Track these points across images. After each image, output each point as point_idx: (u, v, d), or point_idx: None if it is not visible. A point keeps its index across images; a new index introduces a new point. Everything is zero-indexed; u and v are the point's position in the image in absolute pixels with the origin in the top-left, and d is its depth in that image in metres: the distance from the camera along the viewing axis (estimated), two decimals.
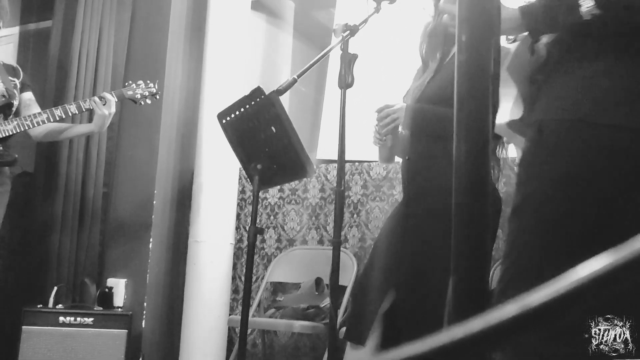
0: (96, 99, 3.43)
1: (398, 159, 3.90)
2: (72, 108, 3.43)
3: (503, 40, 1.87)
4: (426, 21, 2.73)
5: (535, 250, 1.60)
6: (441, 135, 2.46)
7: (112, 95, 3.48)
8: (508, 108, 1.80)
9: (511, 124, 1.82)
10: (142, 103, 3.61)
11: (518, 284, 1.53)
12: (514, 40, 1.84)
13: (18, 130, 3.38)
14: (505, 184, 3.45)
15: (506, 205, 2.72)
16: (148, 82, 3.61)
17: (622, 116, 1.58)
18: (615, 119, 1.58)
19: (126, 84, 3.66)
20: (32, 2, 5.19)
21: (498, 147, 2.64)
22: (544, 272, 1.53)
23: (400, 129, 2.71)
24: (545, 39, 1.78)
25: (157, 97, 3.64)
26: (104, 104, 3.43)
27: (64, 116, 3.42)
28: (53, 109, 3.43)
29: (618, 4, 1.61)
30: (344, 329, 3.04)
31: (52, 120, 3.40)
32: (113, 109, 3.46)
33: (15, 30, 5.18)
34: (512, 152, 2.69)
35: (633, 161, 1.58)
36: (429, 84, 2.66)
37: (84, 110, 3.47)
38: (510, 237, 1.64)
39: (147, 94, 3.59)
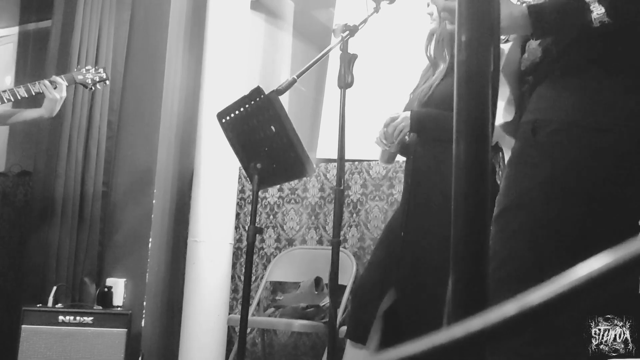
0: (46, 82, 3.39)
1: (398, 158, 3.91)
2: (21, 91, 3.38)
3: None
4: (432, 25, 2.73)
5: (525, 251, 1.58)
6: (448, 139, 2.47)
7: (62, 79, 3.45)
8: (501, 109, 1.79)
9: (504, 126, 1.81)
10: (93, 88, 3.60)
11: (507, 286, 1.50)
12: (507, 40, 1.83)
13: None
14: None
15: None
16: (97, 67, 3.61)
17: (615, 120, 1.58)
18: (609, 124, 1.58)
19: (75, 68, 3.64)
20: (31, 1, 5.19)
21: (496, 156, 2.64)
22: (534, 273, 1.52)
23: (406, 137, 2.72)
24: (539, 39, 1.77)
25: (107, 82, 3.63)
26: (54, 88, 3.40)
27: (12, 99, 3.37)
28: (0, 91, 3.40)
29: (629, 15, 1.60)
30: (343, 328, 3.05)
31: None
32: (64, 93, 3.43)
33: (15, 30, 5.17)
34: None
35: (626, 164, 1.58)
36: (437, 87, 2.67)
37: (33, 93, 3.41)
38: (499, 237, 1.62)
39: (97, 79, 3.59)
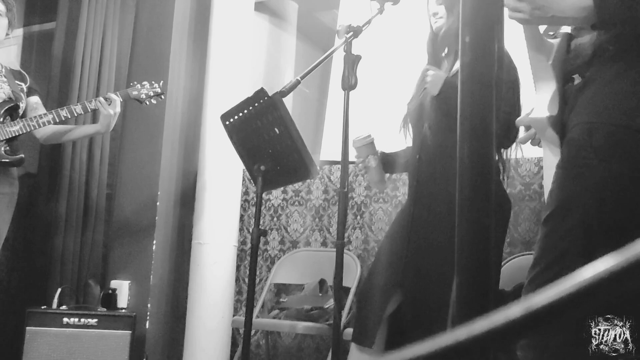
0: (101, 99, 3.45)
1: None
2: (78, 108, 3.44)
3: (546, 35, 1.83)
4: (437, 23, 2.72)
5: (578, 253, 1.57)
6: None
7: (117, 95, 3.49)
8: (546, 102, 1.77)
9: (550, 120, 1.79)
10: (147, 103, 3.62)
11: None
12: (554, 36, 1.81)
13: (24, 131, 3.40)
14: (509, 185, 3.43)
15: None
16: (153, 82, 3.62)
17: None
18: None
19: (131, 84, 3.67)
20: (35, 3, 5.20)
21: (510, 149, 2.63)
22: None
23: (372, 160, 2.75)
24: (588, 37, 1.75)
25: (162, 97, 3.65)
26: (109, 104, 3.44)
27: (69, 116, 3.43)
28: (59, 109, 3.45)
29: None
30: (347, 330, 3.04)
31: (57, 120, 3.42)
32: (118, 109, 3.47)
33: (19, 32, 5.18)
34: (519, 152, 2.68)
35: None
36: (453, 76, 2.64)
37: (89, 110, 3.49)
38: (550, 237, 1.61)
39: (152, 94, 3.60)
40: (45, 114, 3.42)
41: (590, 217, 1.59)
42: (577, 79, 1.76)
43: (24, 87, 3.54)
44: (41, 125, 3.40)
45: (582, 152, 1.64)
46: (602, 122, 1.63)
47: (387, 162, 2.89)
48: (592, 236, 1.58)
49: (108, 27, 4.37)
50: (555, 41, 1.80)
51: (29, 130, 3.40)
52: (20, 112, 3.48)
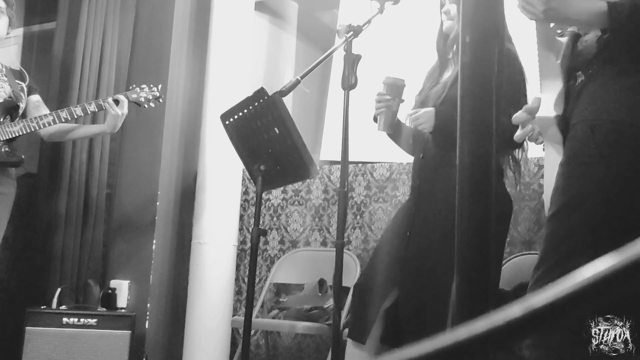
0: (110, 100, 3.46)
1: (401, 160, 3.91)
2: (78, 110, 3.45)
3: (556, 34, 1.82)
4: (447, 23, 2.71)
5: (582, 251, 1.56)
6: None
7: (125, 96, 3.51)
8: (552, 101, 1.76)
9: (556, 119, 1.78)
10: (146, 106, 3.63)
11: None
12: (562, 35, 1.81)
13: (24, 132, 3.40)
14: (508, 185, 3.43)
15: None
16: (152, 86, 3.63)
17: None
18: None
19: (130, 87, 3.67)
20: (36, 3, 5.20)
21: (518, 150, 2.63)
22: None
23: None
24: (592, 35, 1.74)
25: (161, 100, 3.66)
26: (117, 105, 3.46)
27: (69, 118, 3.44)
28: (59, 111, 3.46)
29: None
30: (347, 329, 3.04)
31: (57, 122, 3.42)
32: (126, 110, 3.49)
33: (19, 31, 5.18)
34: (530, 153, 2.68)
35: None
36: (452, 86, 2.65)
37: (88, 112, 3.50)
38: (554, 235, 1.61)
39: (150, 97, 3.61)
40: (45, 116, 3.43)
41: (594, 215, 1.59)
42: (581, 77, 1.75)
43: (24, 86, 3.54)
44: (41, 126, 3.41)
45: (585, 150, 1.64)
46: (605, 119, 1.63)
47: (398, 127, 2.86)
48: (597, 235, 1.57)
49: (108, 27, 4.36)
50: (564, 39, 1.80)
51: (29, 131, 3.41)
52: (20, 111, 3.49)
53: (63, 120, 3.44)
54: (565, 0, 1.64)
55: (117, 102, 3.47)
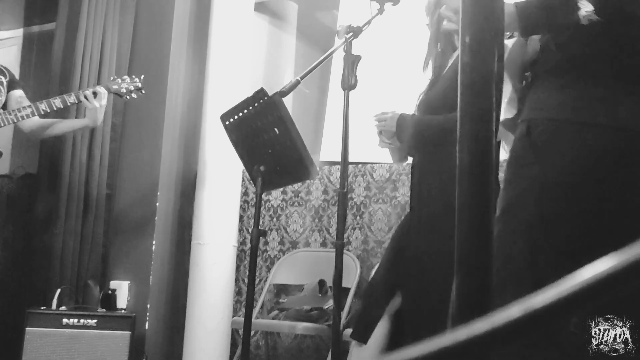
0: (87, 92, 3.41)
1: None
2: (57, 102, 3.40)
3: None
4: (447, 26, 2.72)
5: (523, 253, 1.55)
6: (444, 143, 2.45)
7: (102, 88, 3.47)
8: (503, 105, 1.78)
9: (505, 123, 1.79)
10: (127, 97, 3.60)
11: (508, 288, 1.46)
12: (511, 36, 1.81)
13: (2, 125, 3.36)
14: None
15: None
16: (133, 76, 3.61)
17: (607, 115, 1.56)
18: (601, 119, 1.56)
19: (111, 78, 3.65)
20: (35, 4, 5.20)
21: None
22: (532, 275, 1.50)
23: (390, 138, 2.71)
24: (536, 36, 1.75)
25: (143, 91, 3.62)
26: (95, 97, 3.41)
27: (48, 110, 3.39)
28: (37, 102, 3.41)
29: (617, 14, 1.58)
30: (347, 330, 3.05)
31: (36, 114, 3.38)
32: (104, 102, 3.44)
33: (19, 32, 5.18)
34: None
35: (622, 161, 1.56)
36: (428, 92, 2.67)
37: (68, 104, 3.45)
38: (500, 238, 1.57)
39: (132, 88, 3.58)
40: (24, 108, 3.39)
41: (530, 216, 1.57)
42: (528, 79, 1.76)
43: (4, 81, 3.52)
44: (19, 119, 3.37)
45: (521, 151, 1.63)
46: (540, 117, 1.62)
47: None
48: (534, 235, 1.56)
49: (108, 27, 4.36)
50: (510, 41, 1.79)
51: (7, 124, 3.37)
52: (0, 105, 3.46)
53: (42, 112, 3.39)
54: None
55: (95, 94, 3.43)
